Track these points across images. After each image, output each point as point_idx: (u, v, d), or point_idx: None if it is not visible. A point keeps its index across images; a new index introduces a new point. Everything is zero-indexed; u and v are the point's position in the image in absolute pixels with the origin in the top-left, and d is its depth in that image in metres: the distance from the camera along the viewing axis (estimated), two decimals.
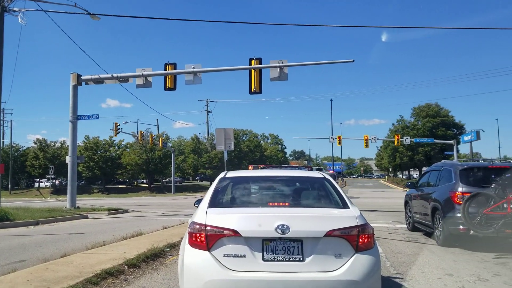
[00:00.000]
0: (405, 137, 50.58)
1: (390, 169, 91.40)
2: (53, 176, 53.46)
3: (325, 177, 5.60)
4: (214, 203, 4.73)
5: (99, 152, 65.21)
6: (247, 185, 5.51)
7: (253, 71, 22.09)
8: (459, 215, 9.62)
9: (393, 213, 20.37)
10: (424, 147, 62.86)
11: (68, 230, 14.31)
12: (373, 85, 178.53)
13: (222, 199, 5.02)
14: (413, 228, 13.25)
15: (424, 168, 41.46)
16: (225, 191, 5.26)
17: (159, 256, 8.71)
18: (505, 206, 9.20)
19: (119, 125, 44.97)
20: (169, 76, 23.18)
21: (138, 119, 77.78)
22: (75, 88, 24.08)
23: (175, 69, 23.13)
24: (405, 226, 14.25)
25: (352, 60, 21.57)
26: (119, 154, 66.91)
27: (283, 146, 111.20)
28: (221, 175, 5.64)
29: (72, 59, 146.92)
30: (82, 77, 24.13)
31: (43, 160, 65.84)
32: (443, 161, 13.36)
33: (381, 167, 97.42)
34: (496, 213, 9.18)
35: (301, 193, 5.41)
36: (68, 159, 24.12)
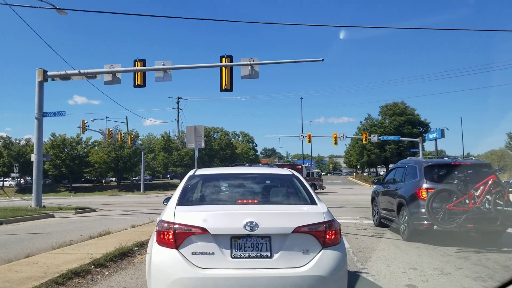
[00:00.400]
0: (372, 135, 51.43)
1: (358, 166, 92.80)
2: (18, 175, 51.90)
3: (293, 174, 5.68)
4: (183, 201, 4.72)
5: (66, 150, 63.66)
6: (217, 183, 5.52)
7: (224, 68, 22.05)
8: (423, 210, 9.90)
9: (361, 209, 20.75)
10: (391, 145, 64.47)
11: (33, 230, 13.96)
12: (342, 83, 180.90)
13: (191, 197, 5.01)
14: (380, 223, 13.55)
15: (391, 165, 42.52)
16: (195, 189, 5.24)
17: (128, 255, 8.61)
18: (467, 201, 9.53)
19: (87, 122, 44.04)
20: (139, 73, 22.86)
21: (106, 116, 76.58)
22: (41, 84, 23.45)
23: (144, 65, 22.83)
24: (372, 221, 14.56)
25: (321, 59, 21.79)
26: (87, 152, 65.55)
27: (254, 144, 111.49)
28: (191, 172, 5.63)
29: (39, 55, 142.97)
30: (48, 73, 23.52)
31: (8, 158, 63.91)
32: (408, 158, 13.72)
33: (349, 164, 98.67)
34: (458, 208, 9.50)
35: (270, 190, 5.44)
36: (33, 157, 23.50)
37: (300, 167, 48.66)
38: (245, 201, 4.87)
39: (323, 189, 50.57)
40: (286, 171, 5.91)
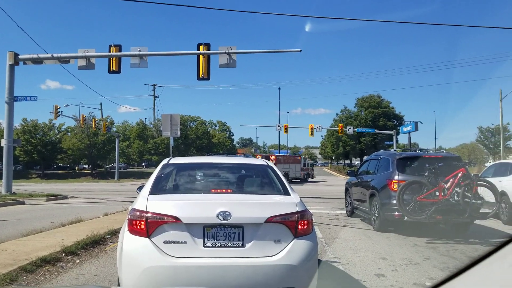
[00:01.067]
0: (348, 127, 52.00)
1: (333, 158, 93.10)
2: None
3: (268, 164, 5.69)
4: (156, 189, 4.69)
5: (37, 135, 62.24)
6: (192, 172, 5.51)
7: (201, 56, 21.86)
8: (394, 201, 10.11)
9: (334, 200, 21.02)
10: (366, 137, 65.32)
11: (2, 217, 13.67)
12: (320, 74, 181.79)
13: (164, 186, 4.99)
14: (352, 214, 13.78)
15: (365, 157, 42.52)
16: (168, 177, 5.23)
17: (99, 243, 8.54)
18: (437, 193, 9.77)
19: (60, 107, 43.15)
20: (114, 59, 22.45)
21: (80, 102, 75.22)
22: (11, 67, 22.81)
23: (120, 51, 22.42)
24: (345, 212, 14.78)
25: (299, 50, 21.83)
26: (60, 138, 64.25)
27: (231, 133, 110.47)
28: (165, 161, 5.60)
29: (9, 39, 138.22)
30: (20, 56, 22.89)
31: None
32: (382, 150, 13.96)
33: (325, 155, 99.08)
34: (428, 200, 9.73)
35: (244, 180, 5.44)
36: (3, 142, 22.91)
37: (300, 158, 52.53)
38: (218, 190, 4.89)
39: (313, 178, 54.86)
40: (261, 161, 5.92)
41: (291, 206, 4.39)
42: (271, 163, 5.76)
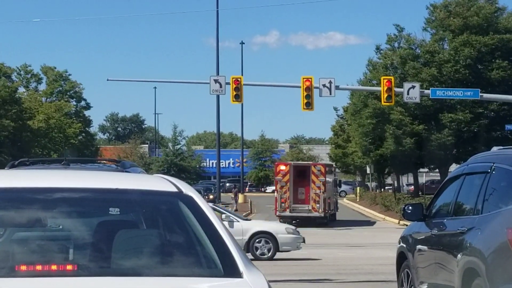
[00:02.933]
0: (408, 84, 21.90)
1: (369, 169, 44.90)
2: None
3: (182, 193, 2.46)
4: None
5: None
6: None
7: None
8: None
9: (367, 286, 11.91)
10: (456, 113, 29.00)
11: None
12: None
13: None
14: None
15: (453, 169, 15.82)
16: None
17: None
18: None
19: None
20: None
21: None
22: None
23: None
24: None
25: None
26: None
27: (84, 103, 56.74)
28: None
29: None
30: None
31: None
32: (495, 149, 6.53)
33: (344, 163, 52.09)
34: None
35: (114, 237, 2.26)
36: None
37: (324, 168, 28.49)
38: (38, 268, 1.95)
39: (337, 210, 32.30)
40: (159, 185, 2.55)
41: None
42: (188, 189, 2.49)
